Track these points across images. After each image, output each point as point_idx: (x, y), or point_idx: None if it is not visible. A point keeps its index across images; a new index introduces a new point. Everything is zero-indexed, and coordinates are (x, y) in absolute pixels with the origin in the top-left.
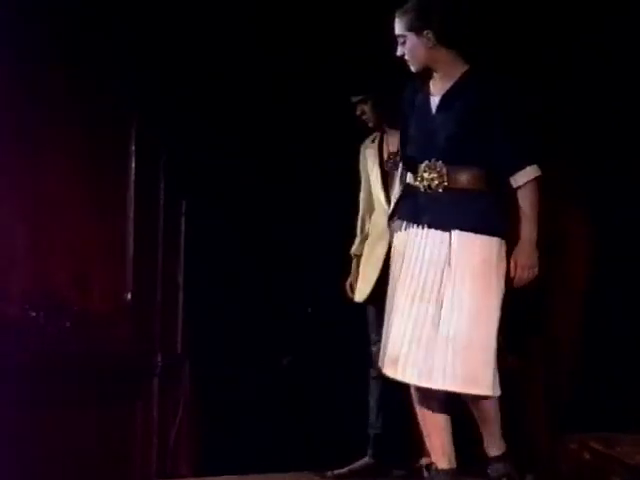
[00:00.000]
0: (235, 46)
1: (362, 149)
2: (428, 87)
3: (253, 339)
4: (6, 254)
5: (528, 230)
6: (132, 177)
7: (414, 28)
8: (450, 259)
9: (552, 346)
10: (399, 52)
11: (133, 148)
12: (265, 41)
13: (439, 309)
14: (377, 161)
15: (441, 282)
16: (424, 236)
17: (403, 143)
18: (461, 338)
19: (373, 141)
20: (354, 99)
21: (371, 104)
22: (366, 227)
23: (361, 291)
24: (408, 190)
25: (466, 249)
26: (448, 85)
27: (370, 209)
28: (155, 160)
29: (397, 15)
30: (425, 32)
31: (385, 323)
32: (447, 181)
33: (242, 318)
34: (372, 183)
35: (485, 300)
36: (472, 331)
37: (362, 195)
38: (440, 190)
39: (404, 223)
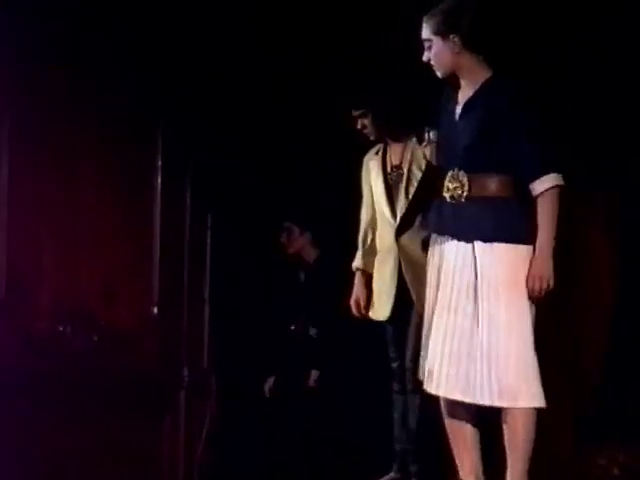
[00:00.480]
0: (235, 46)
1: (365, 161)
2: (457, 95)
3: (279, 353)
4: (33, 269)
5: (543, 240)
6: (158, 192)
7: (440, 32)
8: (476, 270)
9: (575, 349)
10: (425, 57)
11: (159, 163)
12: (265, 41)
13: (469, 320)
14: (381, 173)
15: (468, 292)
16: (451, 247)
17: (438, 153)
18: (491, 350)
19: (377, 153)
20: (354, 113)
21: (371, 117)
22: (368, 240)
23: (380, 310)
24: (438, 200)
25: (491, 259)
26: (471, 93)
27: (373, 223)
28: (181, 174)
29: (424, 19)
30: (451, 36)
31: (423, 336)
32: (469, 190)
33: (267, 332)
34: (376, 196)
35: (514, 309)
36: (504, 342)
37: (364, 207)
38: (463, 200)
39: (436, 235)
